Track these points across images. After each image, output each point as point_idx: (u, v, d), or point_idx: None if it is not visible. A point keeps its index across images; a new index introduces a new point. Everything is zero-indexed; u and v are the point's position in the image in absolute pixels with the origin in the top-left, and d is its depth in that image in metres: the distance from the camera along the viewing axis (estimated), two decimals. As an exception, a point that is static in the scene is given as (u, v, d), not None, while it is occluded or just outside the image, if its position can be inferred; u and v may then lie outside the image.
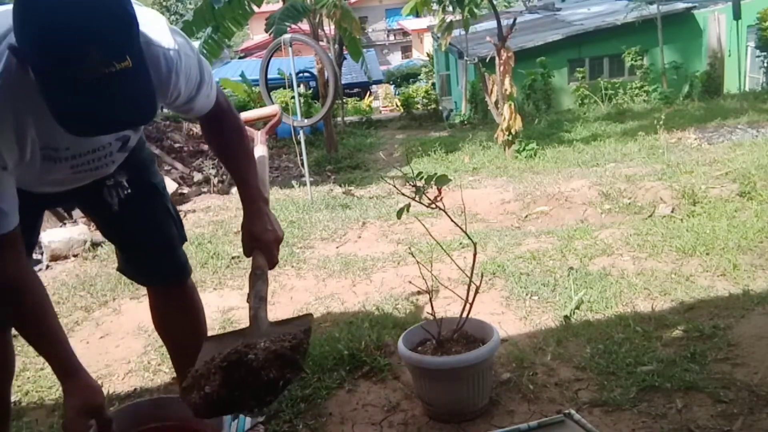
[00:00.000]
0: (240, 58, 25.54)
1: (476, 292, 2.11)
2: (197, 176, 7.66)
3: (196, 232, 4.79)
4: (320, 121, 8.72)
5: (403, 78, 25.57)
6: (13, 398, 1.97)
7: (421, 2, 8.79)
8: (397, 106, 18.57)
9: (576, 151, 7.52)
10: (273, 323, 1.49)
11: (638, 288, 2.99)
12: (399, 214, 2.08)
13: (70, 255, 4.55)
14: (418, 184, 2.01)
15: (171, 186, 6.51)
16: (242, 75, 14.77)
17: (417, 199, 2.04)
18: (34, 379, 2.66)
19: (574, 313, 2.78)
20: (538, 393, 2.16)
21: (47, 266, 4.47)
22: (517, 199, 5.26)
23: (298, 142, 6.67)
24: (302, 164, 6.37)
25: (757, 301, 2.67)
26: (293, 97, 6.69)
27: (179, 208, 5.07)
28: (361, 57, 11.91)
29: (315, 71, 11.86)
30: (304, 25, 9.87)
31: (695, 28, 13.47)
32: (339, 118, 14.08)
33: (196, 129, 9.61)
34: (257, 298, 1.51)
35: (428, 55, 24.27)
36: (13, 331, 1.80)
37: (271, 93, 6.96)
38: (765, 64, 13.02)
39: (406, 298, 3.17)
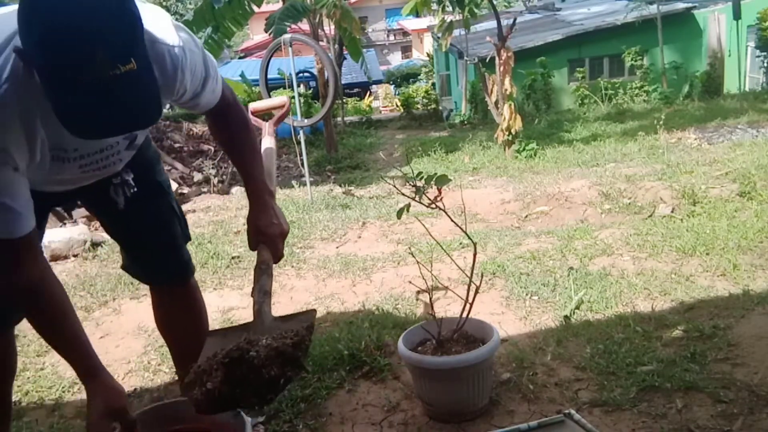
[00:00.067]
0: (240, 58, 25.53)
1: (476, 292, 2.11)
2: (197, 176, 7.67)
3: (196, 232, 4.79)
4: (320, 121, 8.72)
5: (403, 78, 25.59)
6: (13, 398, 1.96)
7: (421, 2, 8.80)
8: (397, 106, 18.58)
9: (576, 151, 7.52)
10: (277, 318, 1.49)
11: (638, 288, 2.99)
12: (399, 214, 2.08)
13: (70, 255, 4.55)
14: (418, 184, 2.01)
15: (171, 186, 6.50)
16: (242, 75, 14.79)
17: (417, 199, 2.04)
18: (34, 379, 2.66)
19: (574, 313, 2.78)
20: (538, 393, 2.16)
21: (47, 266, 4.46)
22: (517, 199, 5.26)
23: (298, 142, 6.67)
24: (302, 164, 6.38)
25: (757, 301, 2.67)
26: (293, 97, 6.69)
27: (179, 208, 5.07)
28: (361, 57, 11.92)
29: (315, 71, 11.87)
30: (304, 25, 9.88)
31: (695, 28, 13.47)
32: (339, 118, 14.08)
33: (196, 129, 9.62)
34: (261, 292, 1.51)
35: (428, 55, 24.27)
36: (15, 331, 1.80)
37: (271, 93, 6.96)
38: (765, 64, 13.03)
39: (406, 298, 3.17)
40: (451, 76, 17.48)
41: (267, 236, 1.62)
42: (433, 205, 2.04)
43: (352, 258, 3.94)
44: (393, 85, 24.53)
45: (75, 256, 4.55)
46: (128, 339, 3.05)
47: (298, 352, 1.33)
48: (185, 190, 7.14)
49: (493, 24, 8.47)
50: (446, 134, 11.47)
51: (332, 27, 11.16)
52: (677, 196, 4.57)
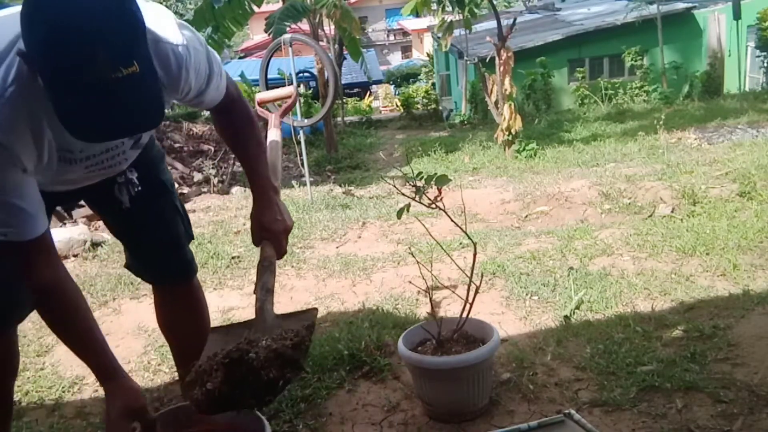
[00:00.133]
0: (240, 58, 25.55)
1: (476, 292, 2.11)
2: (197, 176, 7.67)
3: (196, 232, 4.72)
4: (320, 121, 8.73)
5: (403, 78, 25.60)
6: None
7: (421, 2, 8.79)
8: (397, 106, 18.59)
9: (576, 151, 7.52)
10: (278, 316, 1.50)
11: (638, 288, 2.98)
12: (399, 214, 2.08)
13: (70, 255, 4.55)
14: (418, 184, 2.01)
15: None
16: (242, 75, 14.78)
17: (417, 199, 2.04)
18: (34, 379, 2.66)
19: (574, 313, 2.78)
20: (538, 393, 2.16)
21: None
22: (517, 199, 5.26)
23: (298, 142, 6.67)
24: (302, 164, 6.37)
25: (757, 301, 2.67)
26: (293, 97, 6.68)
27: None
28: (361, 57, 11.93)
29: (315, 71, 11.87)
30: (304, 25, 9.89)
31: (695, 28, 13.47)
32: (339, 118, 14.09)
33: (196, 129, 9.63)
34: (264, 290, 1.52)
35: (428, 55, 24.27)
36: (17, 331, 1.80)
37: (271, 93, 6.94)
38: (765, 64, 13.03)
39: (406, 298, 3.17)
40: (451, 76, 17.49)
41: (271, 232, 1.63)
42: (433, 205, 2.04)
43: (352, 258, 3.94)
44: (393, 85, 24.54)
45: (75, 256, 4.55)
46: (128, 339, 3.05)
47: (298, 354, 1.34)
48: (185, 190, 7.14)
49: (493, 24, 8.48)
50: (446, 134, 11.47)
51: (332, 27, 11.17)
52: (677, 196, 4.57)
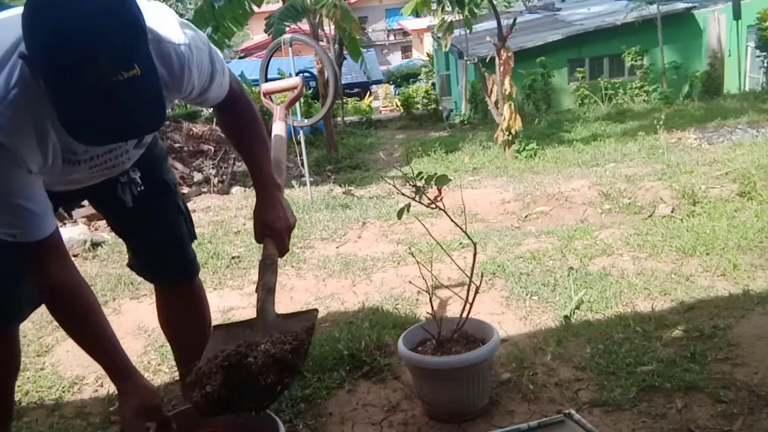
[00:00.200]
0: (240, 58, 25.54)
1: (476, 292, 2.11)
2: (197, 176, 7.68)
3: (196, 232, 4.78)
4: (320, 121, 8.73)
5: (403, 78, 25.60)
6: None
7: (421, 2, 8.79)
8: (397, 106, 18.59)
9: (576, 151, 7.52)
10: (279, 315, 1.50)
11: (638, 288, 2.98)
12: (399, 214, 2.08)
13: (70, 255, 4.55)
14: (418, 184, 2.01)
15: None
16: (242, 75, 14.77)
17: (417, 199, 2.04)
18: (34, 379, 2.66)
19: (574, 313, 2.78)
20: (538, 393, 2.16)
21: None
22: (517, 199, 5.26)
23: (298, 142, 6.68)
24: (302, 164, 6.38)
25: (757, 301, 2.67)
26: (293, 97, 6.68)
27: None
28: (360, 57, 11.93)
29: (315, 71, 11.86)
30: (304, 25, 9.89)
31: (695, 28, 13.48)
32: (339, 118, 14.10)
33: (196, 129, 9.63)
34: (265, 289, 1.52)
35: (428, 55, 24.28)
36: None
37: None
38: (765, 64, 13.03)
39: (406, 298, 3.17)
40: (451, 76, 17.49)
41: (274, 230, 1.63)
42: (433, 205, 2.04)
43: (352, 258, 3.94)
44: (393, 85, 24.54)
45: (75, 256, 4.54)
46: (128, 339, 3.05)
47: (296, 359, 1.34)
48: (185, 190, 7.14)
49: (493, 24, 8.48)
50: (446, 134, 11.47)
51: (332, 27, 11.17)
52: (677, 196, 4.57)
